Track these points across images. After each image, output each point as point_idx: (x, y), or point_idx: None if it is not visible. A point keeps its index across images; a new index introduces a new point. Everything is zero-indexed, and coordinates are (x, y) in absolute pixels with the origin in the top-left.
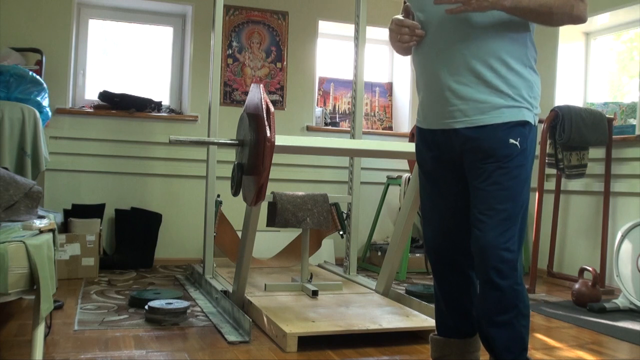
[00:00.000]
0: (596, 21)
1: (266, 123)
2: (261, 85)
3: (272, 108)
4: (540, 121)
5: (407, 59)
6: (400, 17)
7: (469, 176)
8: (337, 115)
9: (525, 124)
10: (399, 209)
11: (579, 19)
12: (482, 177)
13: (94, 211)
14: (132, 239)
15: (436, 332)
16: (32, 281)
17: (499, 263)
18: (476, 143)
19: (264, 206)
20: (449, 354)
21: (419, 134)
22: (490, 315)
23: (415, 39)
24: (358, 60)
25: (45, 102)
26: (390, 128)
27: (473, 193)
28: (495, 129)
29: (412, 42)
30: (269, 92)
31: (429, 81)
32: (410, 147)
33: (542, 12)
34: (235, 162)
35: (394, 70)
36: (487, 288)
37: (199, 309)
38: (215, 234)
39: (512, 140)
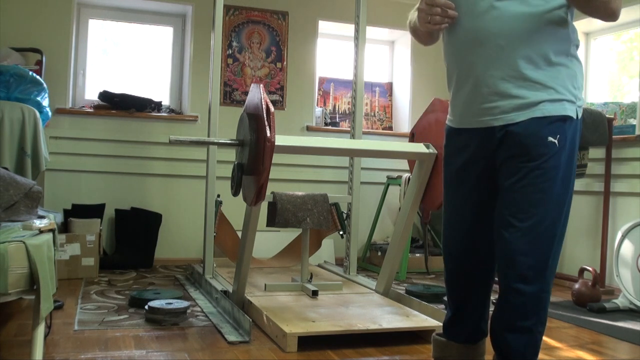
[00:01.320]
0: (596, 21)
1: (266, 123)
2: (261, 85)
3: (272, 108)
4: None
5: (407, 59)
6: None
7: (500, 176)
8: (337, 115)
9: (566, 119)
10: (399, 209)
11: (613, 14)
12: (516, 177)
13: (94, 211)
14: (132, 239)
15: (440, 332)
16: (32, 281)
17: (526, 270)
18: (512, 140)
19: (264, 206)
20: (450, 356)
21: (449, 134)
22: (510, 321)
23: (447, 20)
24: (358, 60)
25: (45, 102)
26: (390, 128)
27: (504, 194)
28: (534, 124)
29: (445, 24)
30: (269, 92)
31: (463, 75)
32: (411, 147)
33: (600, 3)
34: (235, 162)
35: (394, 70)
36: (511, 293)
37: (199, 309)
38: (215, 234)
39: (550, 138)
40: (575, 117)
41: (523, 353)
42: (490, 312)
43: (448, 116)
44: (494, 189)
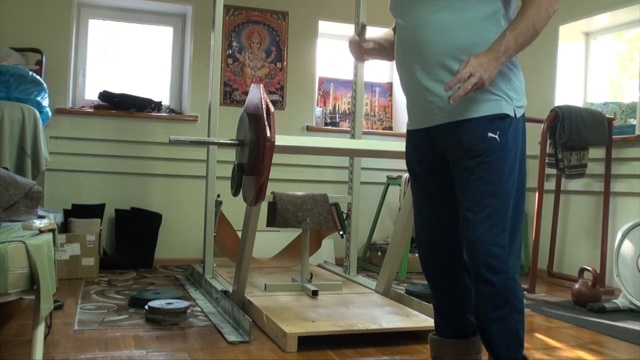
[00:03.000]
0: (596, 21)
1: (266, 123)
2: (261, 85)
3: (272, 108)
4: (540, 121)
5: None
6: (355, 36)
7: (454, 174)
8: (337, 115)
9: (504, 117)
10: (399, 209)
11: (554, 13)
12: (466, 173)
13: (94, 211)
14: (132, 239)
15: (434, 332)
16: (32, 281)
17: (488, 258)
18: (456, 139)
19: (264, 206)
20: (446, 354)
21: (407, 137)
22: (485, 312)
23: (366, 56)
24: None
25: (45, 102)
26: (390, 128)
27: (458, 190)
28: (474, 123)
29: (364, 58)
30: (269, 92)
31: (408, 82)
32: None
33: (530, 36)
34: (235, 162)
35: (394, 70)
36: (480, 284)
37: (199, 309)
38: (215, 234)
39: (490, 134)
40: (513, 115)
41: (506, 343)
42: None
43: (407, 119)
44: (451, 185)
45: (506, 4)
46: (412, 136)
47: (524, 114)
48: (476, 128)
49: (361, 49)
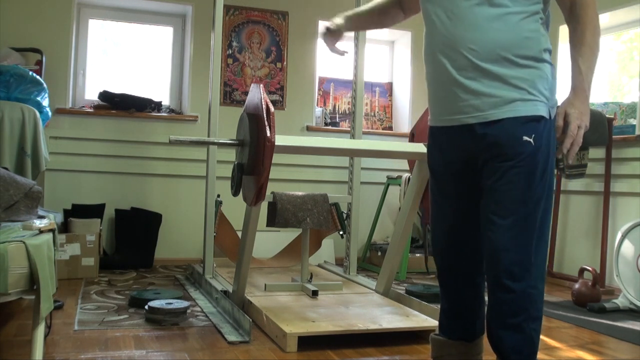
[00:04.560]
0: None
1: (266, 123)
2: (261, 85)
3: (272, 108)
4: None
5: (407, 59)
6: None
7: (482, 177)
8: (337, 115)
9: (539, 119)
10: (399, 209)
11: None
12: (495, 176)
13: (94, 211)
14: (132, 239)
15: (437, 332)
16: (32, 281)
17: (511, 266)
18: (489, 140)
19: (264, 206)
20: (448, 355)
21: (430, 133)
22: (501, 318)
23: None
24: (358, 60)
25: (45, 102)
26: (390, 128)
27: (485, 193)
28: (508, 124)
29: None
30: (269, 92)
31: (438, 77)
32: (411, 147)
33: (596, 61)
34: (235, 162)
35: (394, 70)
36: (499, 291)
37: (199, 309)
38: (215, 234)
39: (525, 138)
40: (548, 117)
41: (517, 349)
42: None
43: (429, 116)
44: (475, 187)
45: (546, 4)
46: (435, 134)
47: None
48: (510, 130)
49: (334, 42)
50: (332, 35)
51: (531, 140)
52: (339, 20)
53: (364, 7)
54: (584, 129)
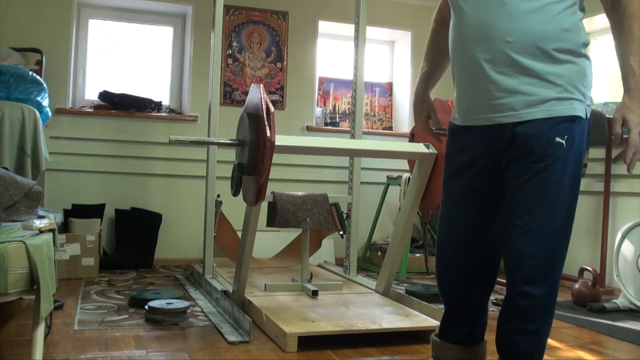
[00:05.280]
0: (596, 21)
1: (266, 123)
2: (261, 85)
3: (272, 108)
4: None
5: (407, 59)
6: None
7: (506, 177)
8: (337, 115)
9: (574, 119)
10: (399, 209)
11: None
12: (522, 178)
13: (94, 211)
14: (132, 239)
15: (437, 332)
16: (32, 281)
17: (533, 273)
18: (520, 139)
19: (264, 206)
20: (445, 357)
21: (452, 131)
22: (518, 324)
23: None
24: (358, 60)
25: (45, 102)
26: (390, 128)
27: (510, 195)
28: (541, 124)
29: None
30: (269, 92)
31: (468, 72)
32: (411, 147)
33: None
34: (235, 162)
35: (394, 70)
36: (519, 297)
37: (199, 309)
38: (215, 234)
39: (558, 139)
40: (584, 116)
41: (531, 355)
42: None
43: (453, 113)
44: (496, 189)
45: None
46: (457, 133)
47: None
48: (543, 130)
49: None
50: (426, 113)
51: (563, 141)
52: (421, 98)
53: (426, 60)
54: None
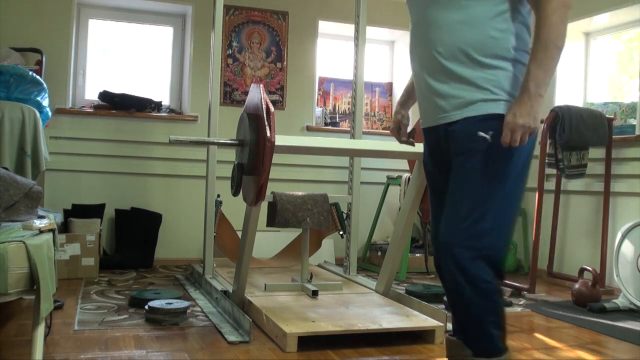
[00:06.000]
0: (596, 21)
1: (266, 123)
2: (261, 85)
3: (272, 108)
4: (540, 121)
5: (407, 59)
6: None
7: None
8: (337, 115)
9: (499, 117)
10: (399, 209)
11: (566, 15)
12: (454, 171)
13: (94, 211)
14: (132, 239)
15: (451, 332)
16: (32, 281)
17: (454, 260)
18: (451, 138)
19: (264, 206)
20: (457, 355)
21: (423, 134)
22: (458, 312)
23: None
24: (358, 60)
25: (45, 102)
26: None
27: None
28: (468, 122)
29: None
30: (269, 92)
31: (416, 81)
32: (410, 147)
33: (553, 55)
34: (235, 162)
35: (394, 70)
36: (450, 284)
37: (199, 309)
38: (215, 234)
39: (481, 134)
40: None
41: (477, 341)
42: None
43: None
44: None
45: (518, 3)
46: (424, 134)
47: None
48: (468, 127)
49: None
50: (401, 127)
51: (487, 136)
52: (397, 110)
53: (410, 81)
54: (525, 132)
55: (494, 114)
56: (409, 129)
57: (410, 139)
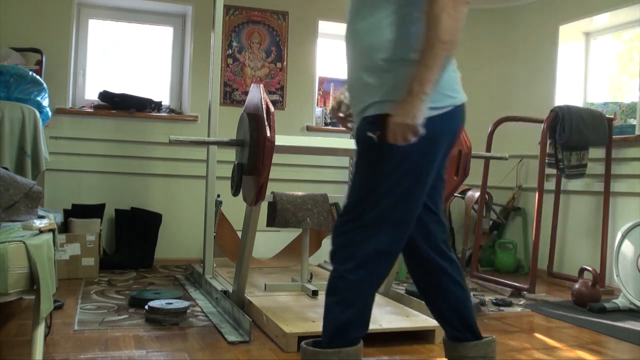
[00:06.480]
0: (596, 21)
1: (266, 123)
2: (261, 85)
3: (272, 108)
4: (540, 121)
5: None
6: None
7: None
8: None
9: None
10: None
11: (462, 12)
12: (354, 167)
13: (94, 211)
14: (132, 239)
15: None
16: (32, 281)
17: (333, 250)
18: (355, 138)
19: (264, 206)
20: (448, 355)
21: None
22: (326, 293)
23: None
24: None
25: (45, 102)
26: None
27: None
28: (362, 123)
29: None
30: (269, 92)
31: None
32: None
33: (440, 52)
34: (235, 162)
35: None
36: (330, 279)
37: (199, 309)
38: (215, 234)
39: (369, 133)
40: None
41: (325, 330)
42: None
43: None
44: None
45: (409, 7)
46: None
47: (441, 116)
48: (361, 127)
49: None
50: (341, 107)
51: (375, 136)
52: (342, 90)
53: None
54: (407, 132)
55: (382, 114)
56: None
57: (349, 124)
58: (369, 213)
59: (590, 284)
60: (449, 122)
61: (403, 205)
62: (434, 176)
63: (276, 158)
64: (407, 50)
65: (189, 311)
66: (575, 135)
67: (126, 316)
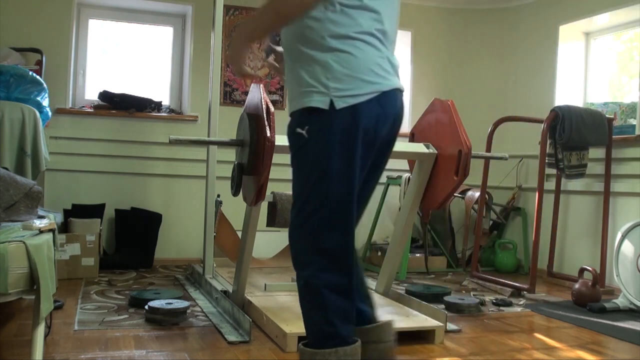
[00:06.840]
0: (596, 21)
1: (266, 123)
2: (261, 85)
3: (272, 108)
4: (540, 121)
5: (407, 59)
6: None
7: None
8: None
9: (312, 110)
10: (399, 209)
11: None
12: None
13: (94, 211)
14: (132, 239)
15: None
16: (32, 281)
17: (292, 258)
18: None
19: (264, 206)
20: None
21: None
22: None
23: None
24: None
25: (45, 102)
26: None
27: None
28: (291, 118)
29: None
30: (269, 92)
31: None
32: (411, 147)
33: (274, 16)
34: (235, 162)
35: None
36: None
37: (199, 309)
38: (215, 234)
39: (298, 130)
40: (325, 107)
41: (308, 332)
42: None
43: None
44: None
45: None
46: None
47: (359, 105)
48: (290, 123)
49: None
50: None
51: (304, 132)
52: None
53: None
54: (241, 38)
55: (306, 108)
56: (408, 131)
57: (257, 75)
58: (310, 215)
59: (590, 284)
60: (368, 109)
61: (334, 198)
62: (361, 171)
63: (276, 158)
64: (324, 37)
65: (189, 311)
66: (575, 135)
67: (126, 316)
